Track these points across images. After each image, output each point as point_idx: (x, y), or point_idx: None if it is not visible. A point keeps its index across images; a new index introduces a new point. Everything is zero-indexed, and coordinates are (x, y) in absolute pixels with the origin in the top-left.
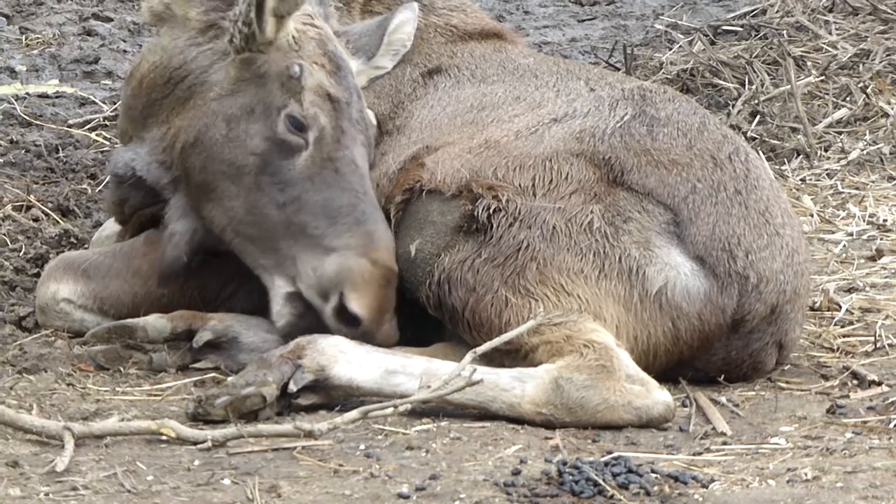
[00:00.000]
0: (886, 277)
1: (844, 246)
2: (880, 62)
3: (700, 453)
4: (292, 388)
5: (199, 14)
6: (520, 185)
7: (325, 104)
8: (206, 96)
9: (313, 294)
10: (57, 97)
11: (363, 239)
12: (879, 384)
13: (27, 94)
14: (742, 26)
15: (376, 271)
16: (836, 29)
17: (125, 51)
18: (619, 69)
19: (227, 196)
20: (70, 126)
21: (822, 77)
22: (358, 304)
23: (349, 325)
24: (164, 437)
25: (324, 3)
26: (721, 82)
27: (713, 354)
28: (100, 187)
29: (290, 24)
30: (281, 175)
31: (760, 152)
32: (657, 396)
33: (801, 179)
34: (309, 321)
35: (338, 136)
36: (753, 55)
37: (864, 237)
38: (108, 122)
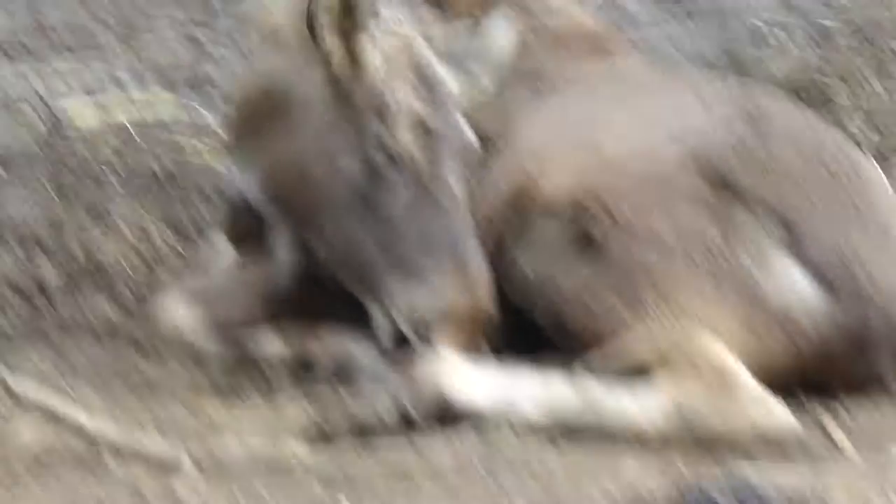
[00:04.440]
0: None
1: None
2: None
3: (821, 470)
4: (410, 409)
5: (299, 39)
6: (634, 202)
7: (418, 133)
8: (306, 127)
9: (408, 329)
10: (173, 121)
11: (458, 275)
12: None
13: (144, 117)
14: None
15: (469, 310)
16: None
17: (235, 70)
18: (730, 78)
19: (328, 228)
20: (185, 148)
21: None
22: (452, 343)
23: None
24: (282, 458)
25: (423, 20)
26: (833, 92)
27: (832, 370)
28: (215, 209)
29: (369, 47)
30: (377, 207)
31: (876, 163)
32: (778, 414)
33: None
34: (411, 352)
35: (433, 165)
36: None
37: None
38: (223, 145)
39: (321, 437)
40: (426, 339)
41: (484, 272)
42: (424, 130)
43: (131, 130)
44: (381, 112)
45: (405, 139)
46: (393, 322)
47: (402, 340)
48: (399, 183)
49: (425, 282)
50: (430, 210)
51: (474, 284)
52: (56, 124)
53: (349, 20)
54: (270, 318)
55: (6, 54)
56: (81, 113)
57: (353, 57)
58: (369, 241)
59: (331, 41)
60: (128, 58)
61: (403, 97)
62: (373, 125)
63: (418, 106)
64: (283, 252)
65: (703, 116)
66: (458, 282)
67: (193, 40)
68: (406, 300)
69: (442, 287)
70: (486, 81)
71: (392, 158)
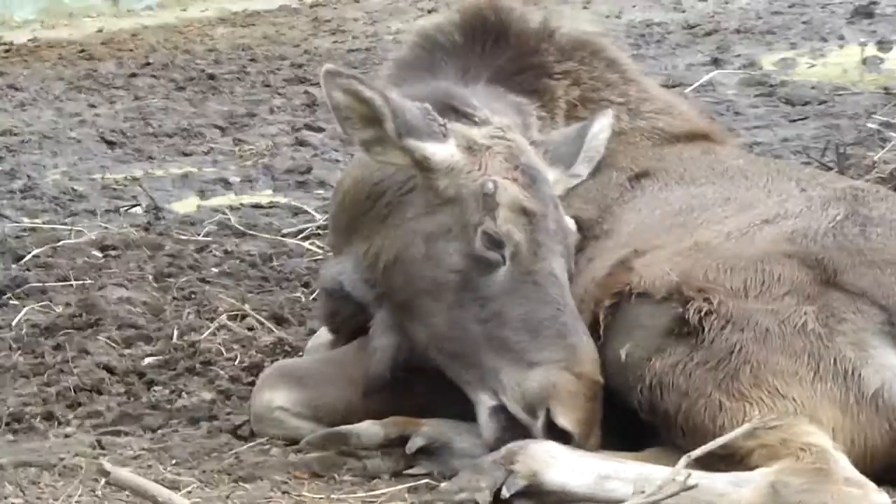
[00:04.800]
0: None
1: None
2: None
3: None
4: (505, 493)
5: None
6: (731, 287)
7: (519, 219)
8: (405, 215)
9: (518, 409)
10: (270, 207)
11: (566, 352)
12: None
13: (241, 204)
14: None
15: (582, 384)
16: None
17: (337, 160)
18: (830, 169)
19: (429, 313)
20: (284, 235)
21: None
22: (567, 420)
23: (558, 440)
24: None
25: (523, 112)
26: None
27: None
28: (313, 296)
29: (438, 146)
30: (481, 291)
31: None
32: (876, 499)
33: None
34: (515, 434)
35: (534, 250)
36: None
37: None
38: (320, 231)
39: None
40: (541, 414)
41: (591, 347)
42: (525, 213)
43: (229, 214)
44: (483, 197)
45: (507, 222)
46: (500, 405)
47: (510, 425)
48: (501, 265)
49: (535, 364)
50: (533, 292)
51: (584, 359)
52: (156, 210)
53: (382, 131)
54: (369, 408)
55: (111, 145)
56: (183, 204)
57: (426, 159)
58: (473, 326)
59: (375, 151)
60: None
61: (504, 183)
62: (474, 210)
63: (518, 191)
64: (382, 340)
65: (803, 203)
66: (568, 359)
67: (303, 143)
68: (515, 382)
69: (552, 366)
70: (583, 170)
71: (494, 241)
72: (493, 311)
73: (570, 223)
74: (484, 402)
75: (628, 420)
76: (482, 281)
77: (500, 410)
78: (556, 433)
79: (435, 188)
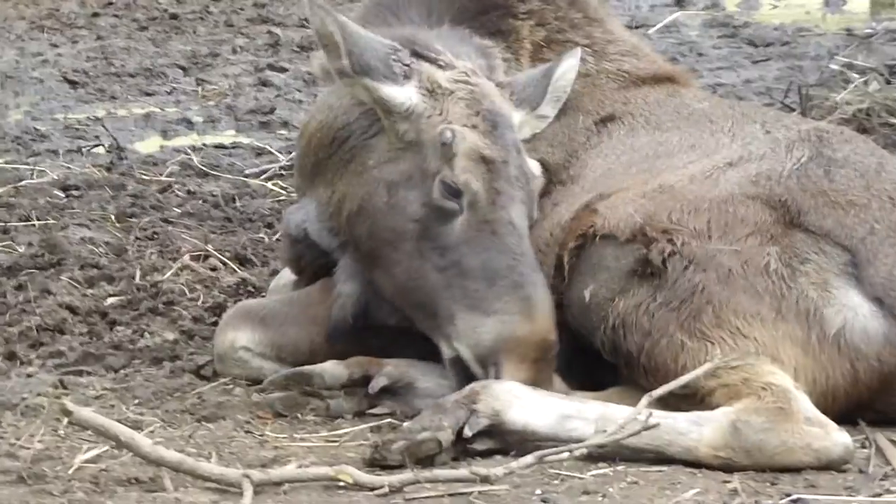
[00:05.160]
0: None
1: None
2: None
3: (880, 495)
4: (468, 433)
5: None
6: (695, 229)
7: (478, 167)
8: (367, 162)
9: (471, 359)
10: (233, 147)
11: (522, 304)
12: None
13: (204, 144)
14: None
15: (533, 340)
16: None
17: (300, 101)
18: (794, 110)
19: (391, 262)
20: (246, 176)
21: None
22: (512, 377)
23: None
24: (341, 484)
25: (489, 56)
26: None
27: (893, 395)
28: (276, 236)
29: (399, 90)
30: (440, 240)
31: None
32: (836, 438)
33: None
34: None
35: (493, 198)
36: None
37: None
38: (283, 172)
39: (380, 461)
40: (491, 369)
41: (547, 302)
42: (484, 161)
43: (191, 154)
44: (441, 146)
45: (464, 171)
46: (458, 353)
47: (468, 371)
48: (458, 214)
49: (489, 313)
50: (491, 241)
51: (538, 315)
52: (118, 151)
53: (341, 67)
54: (332, 348)
55: (74, 85)
56: (146, 144)
57: (387, 102)
58: (432, 274)
59: (344, 83)
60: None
61: (462, 131)
62: (433, 157)
63: (477, 139)
64: (347, 286)
65: (767, 146)
66: (522, 312)
67: (266, 83)
68: (470, 332)
69: (506, 318)
70: (549, 111)
71: (451, 190)
72: (452, 260)
73: (535, 167)
74: (444, 354)
75: (591, 360)
76: (441, 230)
77: (459, 360)
78: None
79: (395, 131)
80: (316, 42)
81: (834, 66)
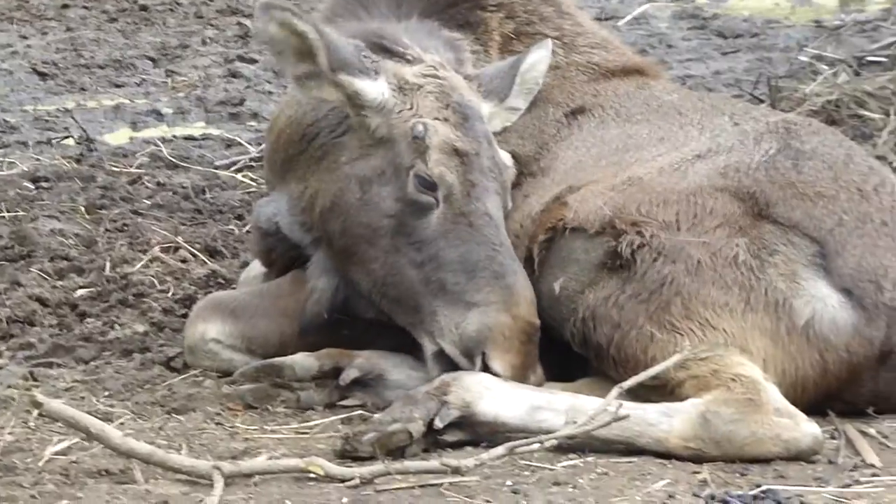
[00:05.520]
0: None
1: None
2: None
3: (850, 485)
4: (438, 424)
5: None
6: (663, 221)
7: (451, 160)
8: (339, 158)
9: (456, 352)
10: (203, 139)
11: (503, 293)
12: None
13: (174, 136)
14: (887, 57)
15: (517, 326)
16: None
17: (270, 92)
18: (763, 102)
19: (367, 259)
20: (216, 167)
21: None
22: (500, 365)
23: None
24: (312, 475)
25: (457, 49)
26: (867, 113)
27: (862, 386)
28: (246, 228)
29: (371, 84)
30: (416, 235)
31: None
32: (806, 429)
33: None
34: None
35: (468, 190)
36: None
37: None
38: (253, 164)
39: (351, 452)
40: (477, 360)
41: (528, 289)
42: (457, 154)
43: (161, 146)
44: (413, 140)
45: (438, 164)
46: (440, 349)
47: (452, 364)
48: (434, 207)
49: (471, 306)
50: (468, 233)
51: (520, 301)
52: (88, 142)
53: (317, 66)
54: (303, 340)
55: (43, 76)
56: (116, 136)
57: (358, 97)
58: (410, 270)
59: (311, 86)
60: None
61: (434, 124)
62: (406, 152)
63: (449, 131)
64: (321, 281)
65: (736, 138)
66: (504, 301)
67: (236, 74)
68: (454, 326)
69: (488, 309)
70: (520, 103)
71: (426, 183)
72: (429, 254)
73: (507, 158)
74: (427, 348)
75: (561, 352)
76: (417, 224)
77: (441, 355)
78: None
79: (367, 127)
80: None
81: (803, 58)
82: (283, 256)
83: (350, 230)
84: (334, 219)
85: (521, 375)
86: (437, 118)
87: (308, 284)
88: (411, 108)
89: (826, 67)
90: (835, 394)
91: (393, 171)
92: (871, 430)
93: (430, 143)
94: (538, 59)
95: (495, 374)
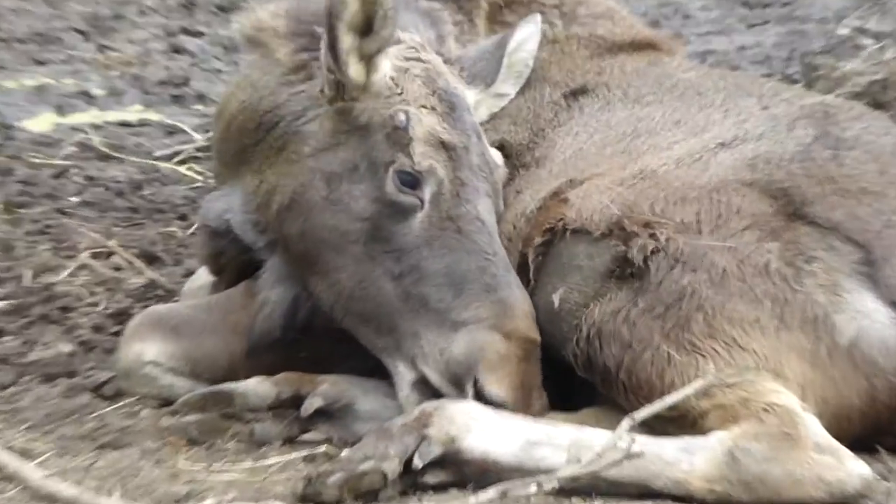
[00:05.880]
0: None
1: None
2: None
3: None
4: (417, 463)
5: (287, 53)
6: (682, 221)
7: (439, 153)
8: (302, 150)
9: (442, 381)
10: (141, 125)
11: (496, 308)
12: None
13: (106, 122)
14: None
15: (514, 344)
16: None
17: (219, 70)
18: (796, 82)
19: (334, 268)
20: (156, 159)
21: None
22: (498, 387)
23: None
24: None
25: (437, 23)
26: None
27: None
28: (191, 230)
29: (385, 64)
30: (395, 241)
31: None
32: (852, 468)
33: None
34: None
35: (457, 190)
36: None
37: None
38: (199, 154)
39: (314, 497)
40: (468, 388)
41: (525, 302)
42: (444, 147)
43: (91, 134)
44: (393, 130)
45: (423, 157)
46: (422, 377)
47: (435, 394)
48: (418, 210)
49: (458, 325)
50: (457, 240)
51: (516, 314)
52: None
53: (370, 43)
54: (257, 362)
55: None
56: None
57: (369, 79)
58: (386, 283)
59: (352, 64)
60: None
61: (418, 113)
62: (383, 145)
63: (436, 121)
64: (274, 292)
65: (765, 124)
66: (497, 316)
67: (179, 50)
68: (437, 349)
69: (479, 327)
70: (509, 88)
71: (410, 181)
72: (410, 264)
73: (497, 156)
74: (403, 375)
75: (562, 376)
76: (396, 229)
77: (423, 384)
78: (489, 405)
79: (347, 113)
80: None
81: (842, 31)
82: (234, 262)
83: (312, 233)
84: (293, 219)
85: (524, 399)
86: (423, 106)
87: (259, 296)
88: (401, 94)
89: (870, 42)
90: (885, 426)
91: (367, 166)
92: None
93: (414, 134)
94: (526, 36)
95: (493, 401)
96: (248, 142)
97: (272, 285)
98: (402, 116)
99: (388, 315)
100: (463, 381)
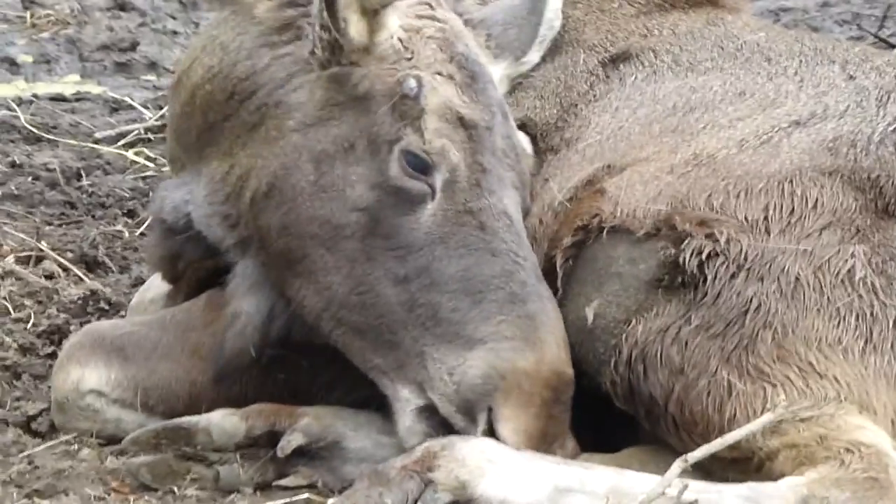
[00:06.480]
0: None
1: None
2: None
3: None
4: None
5: (269, 9)
6: (746, 219)
7: (456, 132)
8: (285, 124)
9: (450, 409)
10: (77, 100)
11: (523, 325)
12: None
13: (35, 96)
14: None
15: (541, 377)
16: None
17: (174, 32)
18: (892, 46)
19: (323, 270)
20: (97, 141)
21: None
22: (513, 429)
23: None
24: None
25: None
26: None
27: None
28: (140, 229)
29: (392, 21)
30: (399, 237)
31: None
32: None
33: None
34: None
35: (477, 178)
36: None
37: None
38: (151, 136)
39: None
40: (481, 418)
41: (558, 322)
42: (463, 125)
43: (16, 110)
44: (401, 100)
45: (439, 135)
46: (428, 404)
47: (443, 425)
48: (428, 199)
49: (475, 343)
50: (477, 238)
51: (546, 339)
52: None
53: None
54: (222, 391)
55: None
56: None
57: (373, 39)
58: (387, 288)
59: (353, 22)
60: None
61: (432, 80)
62: (387, 118)
63: (454, 93)
64: (247, 302)
65: (851, 98)
66: (524, 338)
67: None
68: (446, 371)
69: (501, 346)
70: (534, 55)
71: (419, 164)
72: (418, 265)
73: (525, 141)
74: (405, 400)
75: (597, 408)
76: (401, 222)
77: (430, 413)
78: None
79: (344, 80)
80: None
81: None
82: (194, 267)
83: (296, 226)
84: (272, 209)
85: (540, 449)
86: (437, 73)
87: (228, 308)
88: (411, 58)
89: None
90: None
91: (367, 144)
92: None
93: (427, 105)
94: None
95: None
96: (215, 117)
97: (244, 294)
98: (412, 83)
99: (390, 327)
100: (475, 410)
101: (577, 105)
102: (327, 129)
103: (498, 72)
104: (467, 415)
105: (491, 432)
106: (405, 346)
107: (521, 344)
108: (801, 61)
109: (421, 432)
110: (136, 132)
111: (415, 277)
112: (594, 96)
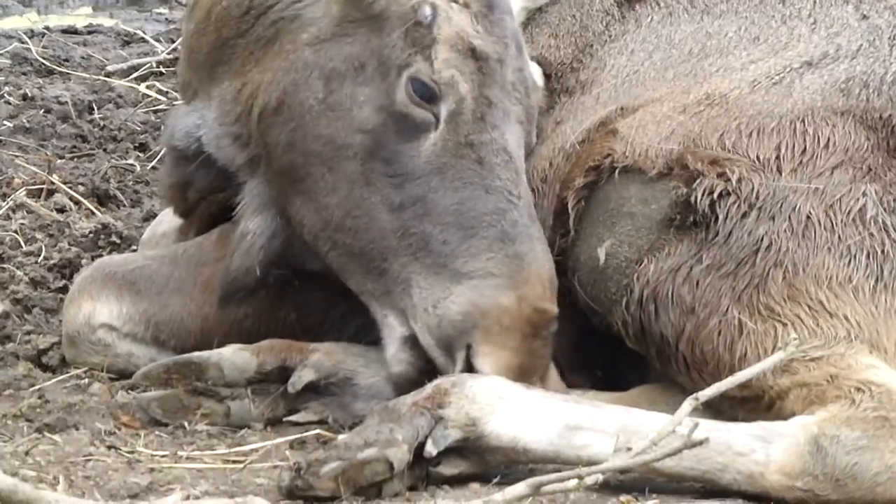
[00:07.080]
0: None
1: None
2: None
3: None
4: (431, 450)
5: None
6: (758, 158)
7: (466, 63)
8: (299, 37)
9: (430, 341)
10: (89, 33)
11: (510, 264)
12: None
13: (47, 28)
14: None
15: (522, 313)
16: None
17: None
18: None
19: (322, 190)
20: (109, 74)
21: None
22: (490, 364)
23: None
24: None
25: None
26: None
27: None
28: (153, 163)
29: None
30: (399, 164)
31: None
32: None
33: None
34: (433, 375)
35: (482, 111)
36: None
37: None
38: (163, 70)
39: (304, 490)
40: (459, 355)
41: (546, 263)
42: (474, 56)
43: (28, 42)
44: (414, 27)
45: (448, 65)
46: (412, 334)
47: (427, 363)
48: (432, 128)
49: (461, 277)
50: (475, 172)
51: (531, 277)
52: None
53: None
54: (234, 325)
55: None
56: None
57: None
58: (382, 213)
59: None
60: None
61: (448, 8)
62: (400, 43)
63: (469, 22)
64: (255, 221)
65: (864, 37)
66: (509, 275)
67: None
68: (430, 300)
69: (485, 283)
70: None
71: (426, 92)
72: (414, 194)
73: (537, 73)
74: (391, 327)
75: (608, 348)
76: (402, 149)
77: (413, 341)
78: None
79: (358, 1)
80: None
81: None
82: (206, 198)
83: (301, 144)
84: (280, 125)
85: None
86: (454, 0)
87: (238, 227)
88: None
89: None
90: None
91: (377, 66)
92: None
93: (439, 34)
94: None
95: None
96: (230, 33)
97: (251, 214)
98: (427, 10)
99: (381, 253)
100: (454, 346)
101: (592, 45)
102: (340, 47)
103: (517, 2)
104: (446, 349)
105: (470, 369)
106: (393, 273)
107: (506, 282)
108: (814, 2)
109: (405, 361)
110: (148, 65)
111: (409, 206)
112: (610, 37)
